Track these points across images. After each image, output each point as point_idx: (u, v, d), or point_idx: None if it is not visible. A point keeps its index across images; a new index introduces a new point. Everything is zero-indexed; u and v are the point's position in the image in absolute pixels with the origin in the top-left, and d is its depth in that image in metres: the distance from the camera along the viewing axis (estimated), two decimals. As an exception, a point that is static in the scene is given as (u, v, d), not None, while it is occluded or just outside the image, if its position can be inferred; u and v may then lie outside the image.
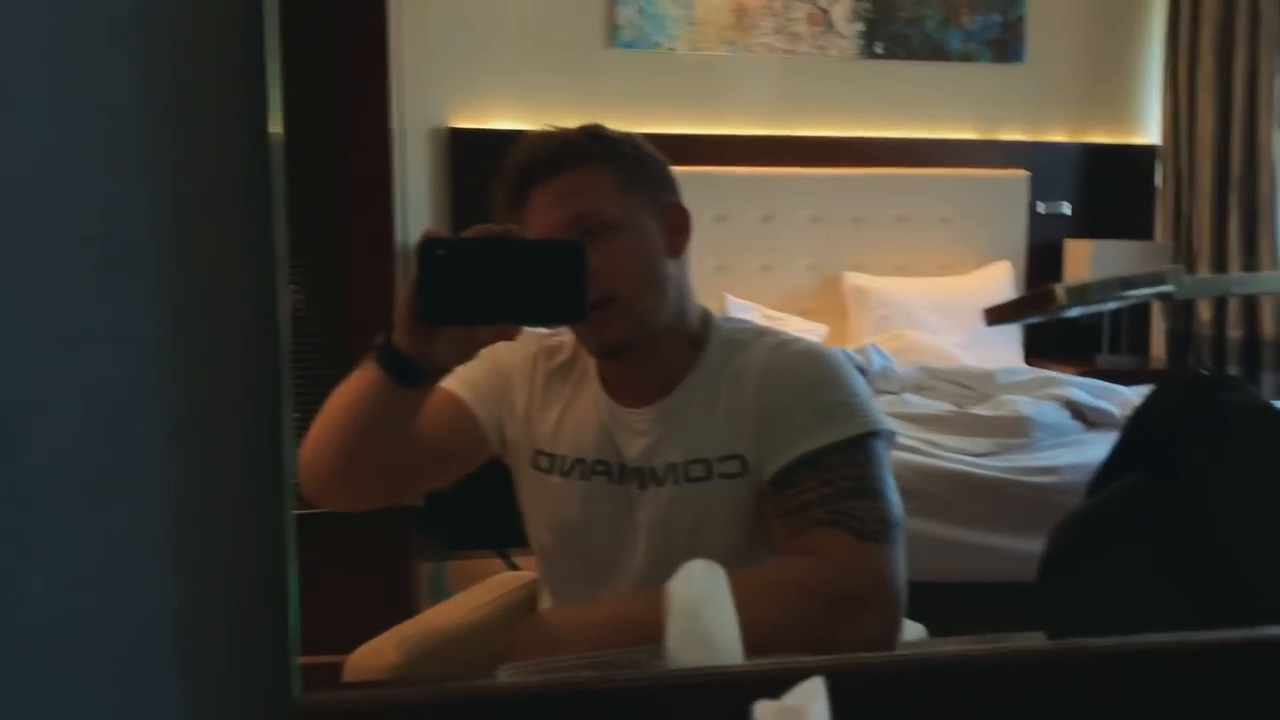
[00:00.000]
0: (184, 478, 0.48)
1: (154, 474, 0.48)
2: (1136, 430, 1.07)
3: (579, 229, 1.12)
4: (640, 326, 1.16)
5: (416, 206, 3.65)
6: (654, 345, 1.18)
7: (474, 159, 3.73)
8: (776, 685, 0.50)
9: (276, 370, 0.47)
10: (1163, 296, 2.83)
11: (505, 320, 1.00)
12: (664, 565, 1.17)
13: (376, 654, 1.26)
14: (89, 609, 0.47)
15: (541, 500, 1.24)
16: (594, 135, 1.20)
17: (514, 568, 2.78)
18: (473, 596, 1.45)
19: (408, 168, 3.54)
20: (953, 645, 0.83)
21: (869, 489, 1.09)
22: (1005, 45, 3.97)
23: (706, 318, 1.23)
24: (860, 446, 1.11)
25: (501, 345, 1.29)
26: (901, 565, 1.06)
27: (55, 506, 0.48)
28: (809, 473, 1.09)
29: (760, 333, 1.22)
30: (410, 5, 3.47)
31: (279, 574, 0.47)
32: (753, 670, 0.58)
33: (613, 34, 3.70)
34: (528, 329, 1.28)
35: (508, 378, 1.27)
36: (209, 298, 0.48)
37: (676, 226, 1.21)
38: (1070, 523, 1.09)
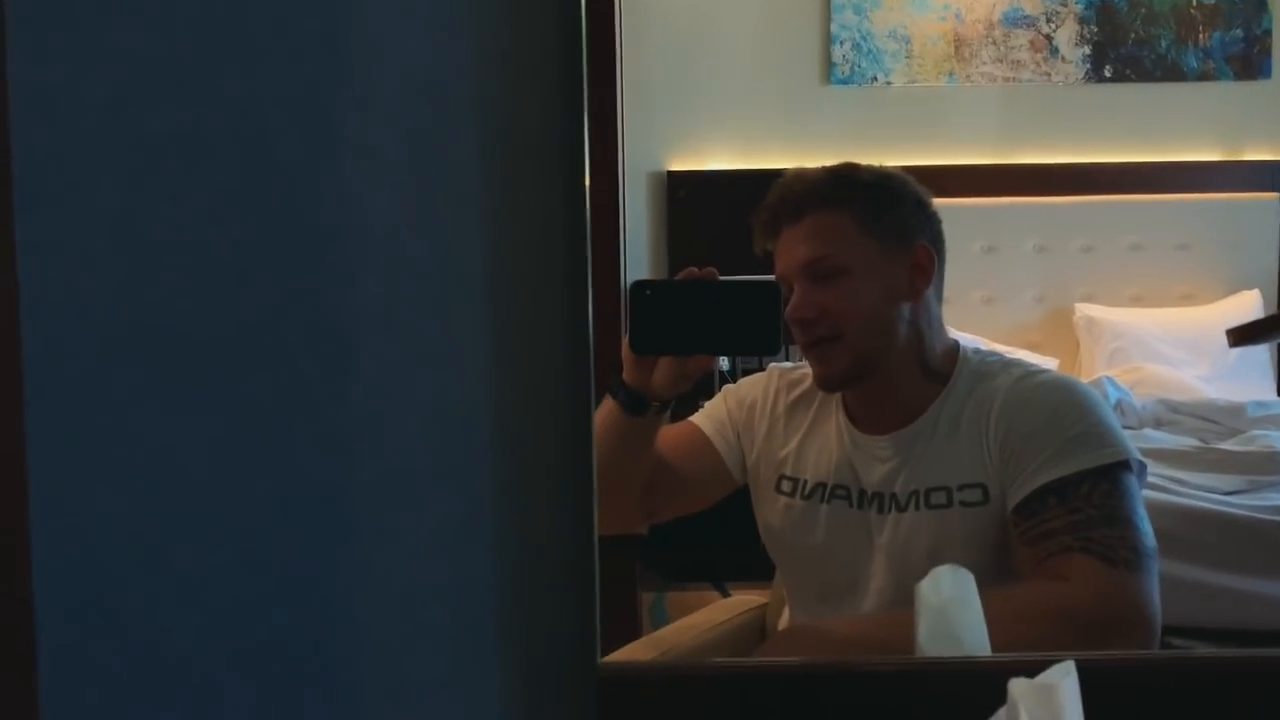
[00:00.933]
0: (507, 474, 0.57)
1: (482, 471, 0.58)
2: None
3: (813, 272, 1.21)
4: (860, 364, 1.23)
5: (635, 247, 3.80)
6: (884, 378, 1.23)
7: (690, 200, 3.85)
8: (1027, 672, 0.54)
9: (587, 385, 0.56)
10: None
11: (705, 351, 1.12)
12: (902, 587, 1.20)
13: (629, 655, 1.35)
14: (429, 580, 0.57)
15: (784, 522, 1.31)
16: (841, 179, 1.27)
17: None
18: (706, 616, 1.52)
19: (627, 209, 3.69)
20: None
21: (1119, 518, 1.09)
22: (1250, 61, 3.75)
23: (955, 350, 1.26)
24: (1108, 476, 1.11)
25: (745, 380, 1.40)
26: (1155, 594, 1.05)
27: (404, 497, 0.58)
28: (1055, 500, 1.10)
29: (1008, 364, 1.25)
30: (627, 50, 3.64)
31: (586, 555, 0.55)
32: (1004, 660, 0.62)
33: (827, 71, 3.75)
34: (776, 366, 1.39)
35: (750, 409, 1.37)
36: (531, 325, 0.57)
37: (920, 268, 1.25)
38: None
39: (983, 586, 1.13)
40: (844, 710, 0.62)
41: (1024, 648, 1.02)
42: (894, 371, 1.24)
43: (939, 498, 1.18)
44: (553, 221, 0.56)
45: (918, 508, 1.20)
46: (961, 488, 1.17)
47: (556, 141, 0.55)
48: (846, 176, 1.27)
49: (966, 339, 3.44)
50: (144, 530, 0.56)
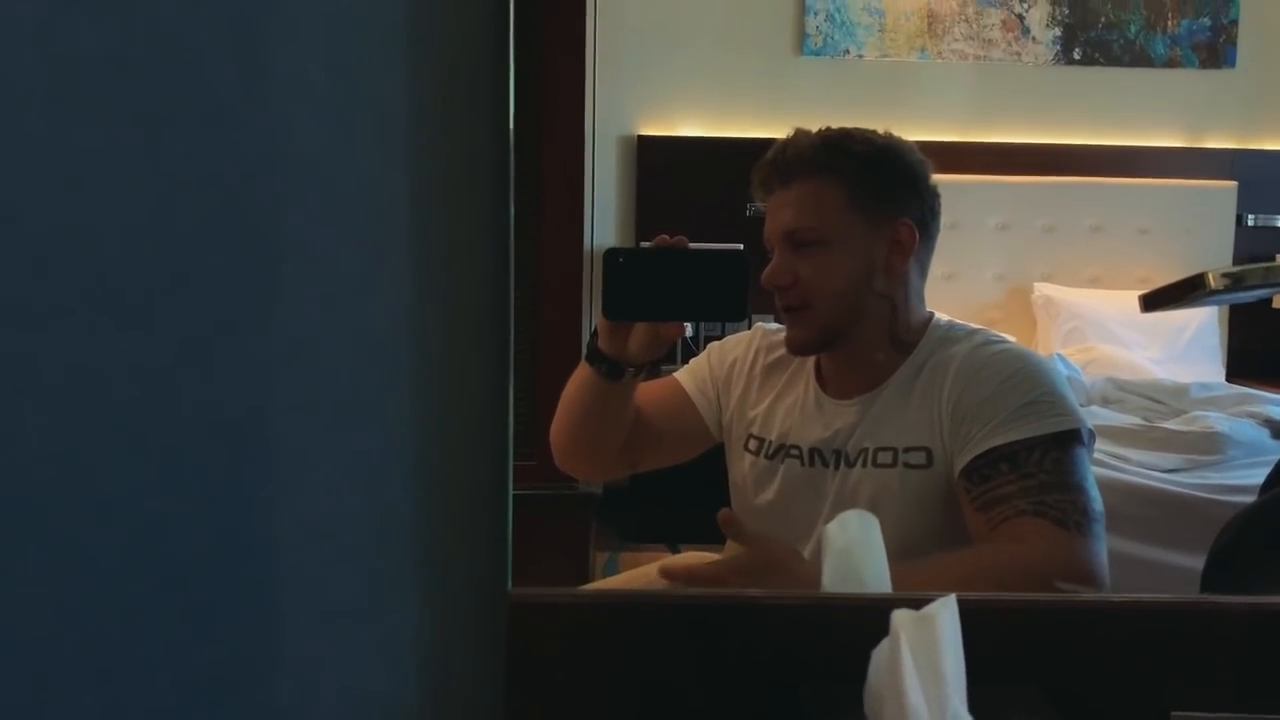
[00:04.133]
0: (425, 406, 0.59)
1: (402, 401, 0.59)
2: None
3: (793, 240, 1.22)
4: (827, 334, 1.24)
5: (604, 211, 3.79)
6: (853, 346, 1.24)
7: (660, 165, 3.86)
8: (915, 607, 0.56)
9: (506, 320, 0.57)
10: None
11: (674, 318, 1.13)
12: None
13: None
14: (350, 505, 0.58)
15: (748, 480, 1.33)
16: (831, 147, 1.24)
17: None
18: (652, 569, 1.53)
19: (596, 173, 3.68)
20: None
21: (1070, 484, 1.10)
22: (1215, 50, 3.79)
23: (927, 321, 1.27)
24: (1060, 444, 1.12)
25: (730, 339, 1.42)
26: (1103, 556, 1.08)
27: (324, 424, 0.59)
28: (1007, 466, 1.11)
29: (971, 333, 1.25)
30: (603, 15, 3.63)
31: (500, 485, 0.57)
32: (900, 597, 0.64)
33: (801, 41, 3.75)
34: (762, 326, 1.40)
35: (731, 367, 1.38)
36: (453, 259, 0.58)
37: (899, 245, 1.24)
38: (1236, 521, 1.09)
39: (935, 550, 1.16)
40: (752, 641, 0.64)
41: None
42: (863, 340, 1.24)
43: (885, 457, 1.20)
44: (478, 158, 0.57)
45: (865, 465, 1.21)
46: (908, 449, 1.19)
47: (483, 77, 0.56)
48: (838, 145, 1.24)
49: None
50: (65, 450, 0.57)
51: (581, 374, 1.25)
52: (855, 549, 0.66)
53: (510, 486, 0.57)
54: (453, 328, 0.58)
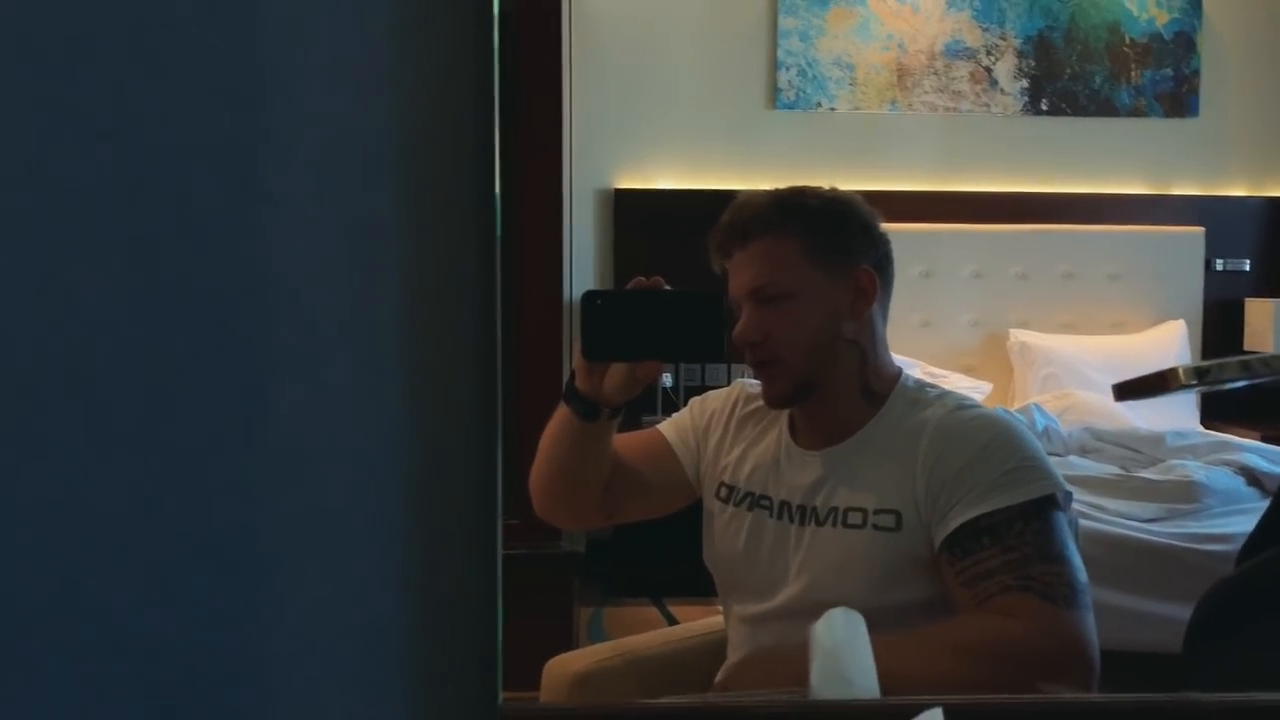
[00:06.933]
0: (415, 521, 0.59)
1: (392, 517, 0.59)
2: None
3: (759, 296, 1.24)
4: (802, 385, 1.25)
5: (583, 263, 3.81)
6: (825, 397, 1.26)
7: (637, 217, 3.89)
8: (903, 716, 0.57)
9: (494, 438, 0.58)
10: (1287, 378, 2.65)
11: (652, 357, 1.15)
12: (809, 601, 1.22)
13: (595, 657, 1.39)
14: (340, 621, 0.59)
15: (717, 528, 1.34)
16: (784, 204, 1.28)
17: (668, 615, 2.86)
18: (683, 629, 1.56)
19: (574, 226, 3.72)
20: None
21: (1053, 554, 1.11)
22: (1178, 99, 3.87)
23: (895, 376, 1.29)
24: (1040, 513, 1.13)
25: (711, 394, 1.45)
26: (1092, 628, 1.07)
27: (316, 542, 0.59)
28: (989, 539, 1.12)
29: (943, 395, 1.26)
30: (580, 72, 3.68)
31: (490, 598, 0.57)
32: (884, 704, 0.65)
33: (774, 95, 3.80)
34: (741, 381, 1.42)
35: (709, 418, 1.40)
36: (442, 377, 0.59)
37: (862, 291, 1.26)
38: (1215, 592, 1.10)
39: (877, 617, 1.17)
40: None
41: (966, 685, 1.05)
42: (835, 389, 1.25)
43: (855, 518, 1.21)
44: (465, 275, 0.58)
45: (834, 524, 1.22)
46: (878, 511, 1.19)
47: (470, 196, 0.57)
48: (791, 202, 1.28)
49: (904, 362, 3.48)
50: (55, 571, 0.57)
51: (559, 415, 1.26)
52: (842, 651, 0.66)
53: (500, 602, 0.58)
54: (440, 442, 0.59)
